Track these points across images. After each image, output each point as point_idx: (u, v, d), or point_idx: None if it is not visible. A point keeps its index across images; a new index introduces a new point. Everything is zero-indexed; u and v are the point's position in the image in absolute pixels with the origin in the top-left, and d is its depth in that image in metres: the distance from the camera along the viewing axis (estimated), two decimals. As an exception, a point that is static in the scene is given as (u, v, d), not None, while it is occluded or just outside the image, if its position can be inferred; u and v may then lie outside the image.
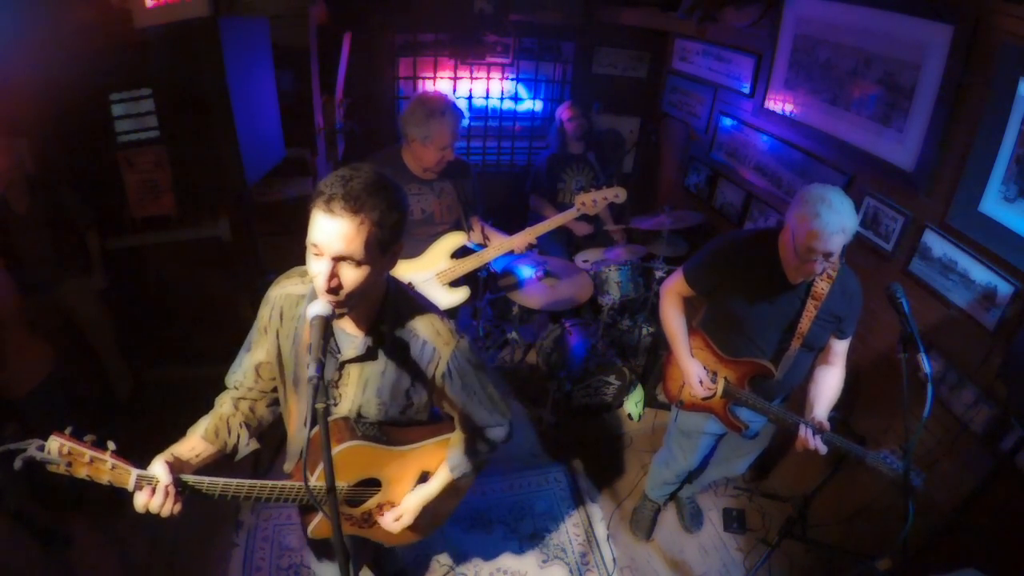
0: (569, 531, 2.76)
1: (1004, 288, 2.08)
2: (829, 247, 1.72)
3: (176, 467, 1.26)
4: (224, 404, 1.45)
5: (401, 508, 1.58)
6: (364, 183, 1.12)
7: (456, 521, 2.74)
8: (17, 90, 2.50)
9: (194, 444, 1.37)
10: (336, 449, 1.35)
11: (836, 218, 1.69)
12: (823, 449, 1.93)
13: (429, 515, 1.65)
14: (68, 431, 1.16)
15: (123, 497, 1.23)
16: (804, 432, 1.95)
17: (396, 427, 1.48)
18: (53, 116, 2.66)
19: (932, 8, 2.25)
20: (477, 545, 2.64)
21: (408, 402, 1.43)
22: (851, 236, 1.74)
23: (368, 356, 1.33)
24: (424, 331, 1.36)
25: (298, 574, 2.45)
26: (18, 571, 2.31)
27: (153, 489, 1.20)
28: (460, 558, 2.57)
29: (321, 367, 1.06)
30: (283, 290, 1.37)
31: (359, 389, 1.38)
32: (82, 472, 1.16)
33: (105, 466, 1.18)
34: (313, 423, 1.04)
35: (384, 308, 1.32)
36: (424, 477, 1.59)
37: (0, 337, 2.21)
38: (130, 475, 1.19)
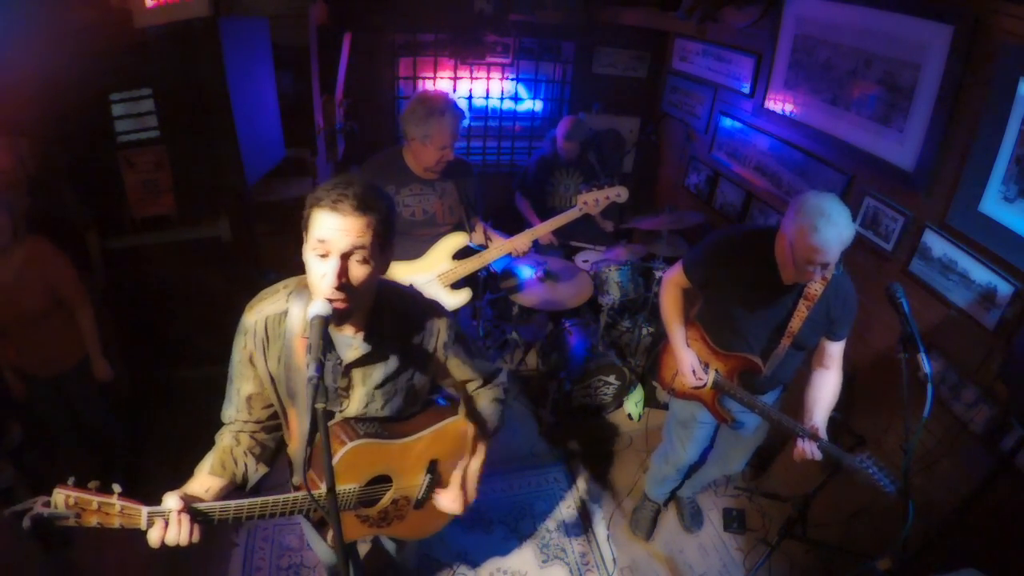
0: (569, 531, 2.76)
1: (1004, 288, 2.08)
2: (827, 259, 1.72)
3: (188, 501, 1.25)
4: (224, 438, 1.45)
5: (453, 489, 1.62)
6: (366, 186, 1.18)
7: (456, 521, 2.71)
8: (17, 90, 2.49)
9: (203, 481, 1.36)
10: (342, 451, 1.35)
11: (834, 231, 1.68)
12: (819, 455, 1.95)
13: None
14: (71, 481, 1.13)
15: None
16: (802, 443, 1.96)
17: (396, 421, 1.50)
18: (53, 116, 2.65)
19: (932, 8, 2.25)
20: (477, 545, 2.64)
21: (412, 389, 1.47)
22: (849, 244, 1.73)
23: (375, 358, 1.37)
24: (419, 311, 1.44)
25: (298, 574, 2.45)
26: (18, 571, 2.31)
27: (166, 521, 1.19)
28: (460, 558, 2.57)
29: (320, 367, 1.06)
30: (260, 314, 1.34)
31: (365, 389, 1.40)
32: (92, 520, 1.14)
33: (114, 510, 1.16)
34: (313, 423, 1.04)
35: (378, 304, 1.35)
36: (432, 464, 1.59)
37: (47, 322, 2.31)
38: (140, 513, 1.18)
